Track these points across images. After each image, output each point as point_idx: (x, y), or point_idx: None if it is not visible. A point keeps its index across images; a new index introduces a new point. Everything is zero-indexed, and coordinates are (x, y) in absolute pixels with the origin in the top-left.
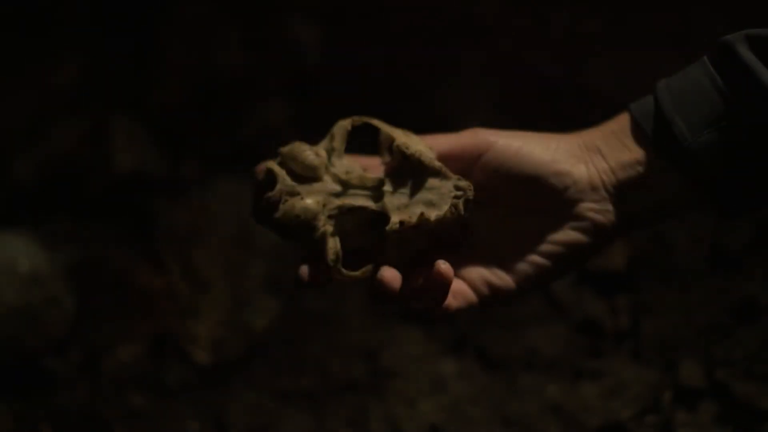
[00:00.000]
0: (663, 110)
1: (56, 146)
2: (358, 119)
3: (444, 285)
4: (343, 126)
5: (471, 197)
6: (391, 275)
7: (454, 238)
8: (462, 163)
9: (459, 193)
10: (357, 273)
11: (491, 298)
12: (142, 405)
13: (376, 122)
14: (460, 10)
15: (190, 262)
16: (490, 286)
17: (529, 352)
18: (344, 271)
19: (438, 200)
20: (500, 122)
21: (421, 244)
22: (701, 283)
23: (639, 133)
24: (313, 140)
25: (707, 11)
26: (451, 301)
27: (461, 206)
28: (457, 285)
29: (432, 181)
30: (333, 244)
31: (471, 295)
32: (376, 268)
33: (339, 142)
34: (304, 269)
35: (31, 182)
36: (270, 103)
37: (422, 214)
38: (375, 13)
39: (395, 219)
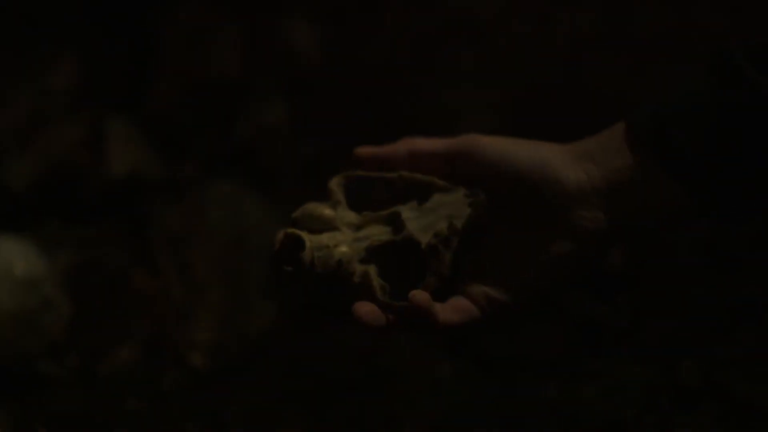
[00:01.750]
0: (659, 117)
1: (52, 149)
2: (345, 174)
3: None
4: (336, 182)
5: (483, 197)
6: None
7: (477, 241)
8: (448, 164)
9: (471, 199)
10: (407, 303)
11: (493, 313)
12: (138, 408)
13: (359, 173)
14: (460, 10)
15: (186, 265)
16: (490, 300)
17: (528, 351)
18: (396, 303)
19: (455, 211)
20: (499, 122)
21: (455, 255)
22: (701, 283)
23: (634, 140)
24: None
25: (707, 11)
26: (453, 316)
27: (480, 207)
28: (459, 301)
29: (442, 198)
30: (377, 281)
31: (474, 310)
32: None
33: (340, 195)
34: (361, 309)
35: (27, 185)
36: (268, 103)
37: (452, 223)
38: (374, 13)
39: (426, 238)
